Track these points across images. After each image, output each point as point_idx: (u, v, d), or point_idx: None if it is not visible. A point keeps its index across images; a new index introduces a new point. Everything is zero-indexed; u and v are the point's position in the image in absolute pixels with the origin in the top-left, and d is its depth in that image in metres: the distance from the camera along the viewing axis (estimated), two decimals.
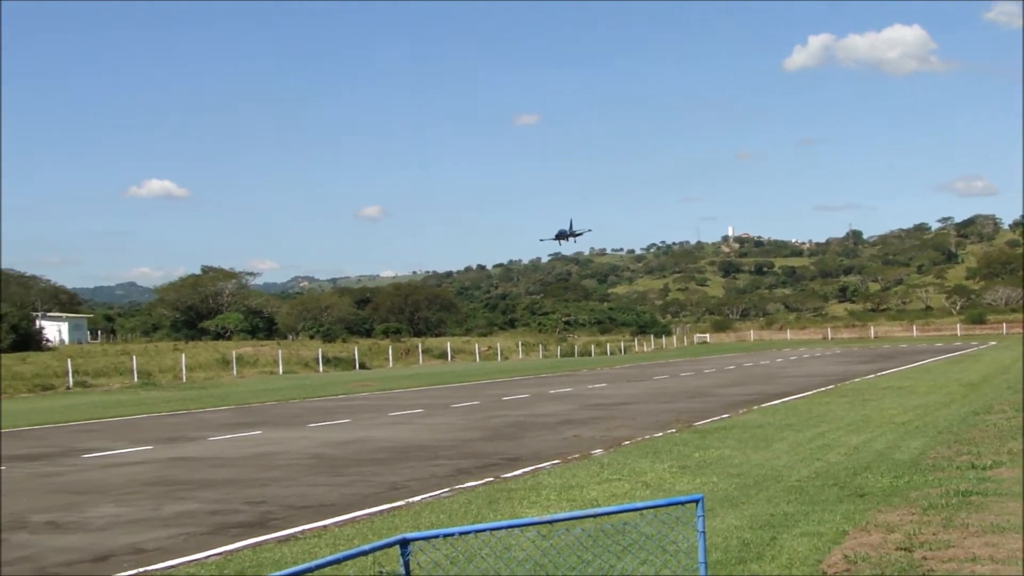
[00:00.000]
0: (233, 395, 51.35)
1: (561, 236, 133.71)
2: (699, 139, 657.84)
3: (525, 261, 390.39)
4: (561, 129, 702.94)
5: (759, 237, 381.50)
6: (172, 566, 12.73)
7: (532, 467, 20.97)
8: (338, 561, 7.19)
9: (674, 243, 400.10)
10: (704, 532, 8.43)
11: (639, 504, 8.84)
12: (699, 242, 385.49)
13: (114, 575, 12.31)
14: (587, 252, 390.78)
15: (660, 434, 26.49)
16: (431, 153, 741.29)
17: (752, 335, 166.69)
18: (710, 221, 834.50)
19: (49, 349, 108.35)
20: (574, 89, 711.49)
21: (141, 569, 12.57)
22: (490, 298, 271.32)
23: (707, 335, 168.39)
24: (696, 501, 8.42)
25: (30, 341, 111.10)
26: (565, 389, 49.31)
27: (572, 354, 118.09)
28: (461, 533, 7.77)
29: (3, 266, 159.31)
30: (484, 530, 8.18)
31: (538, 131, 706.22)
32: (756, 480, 17.66)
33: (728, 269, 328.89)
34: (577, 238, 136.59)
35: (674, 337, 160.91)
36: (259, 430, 31.71)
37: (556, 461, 21.82)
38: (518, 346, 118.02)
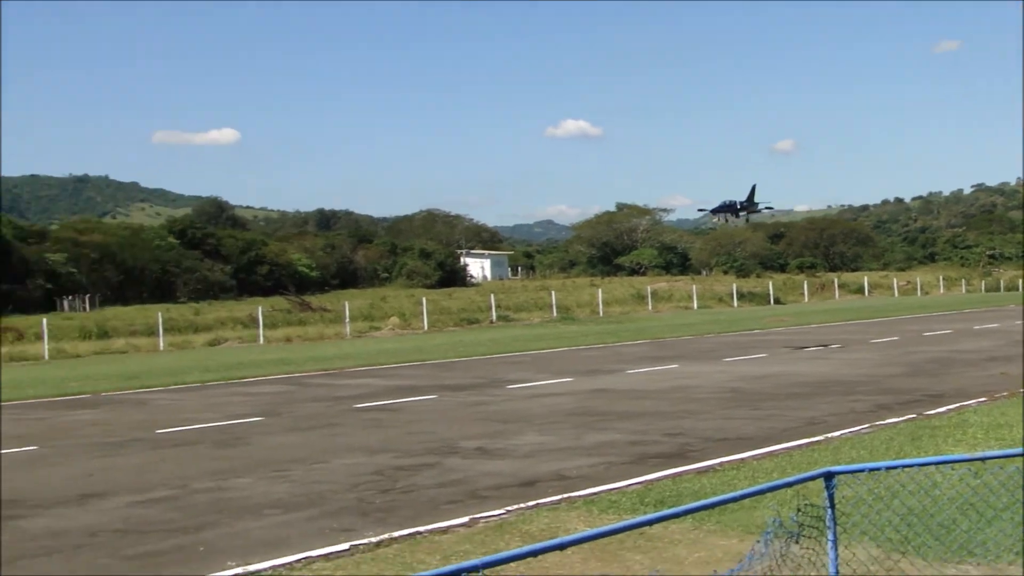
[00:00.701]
0: (649, 329, 52.02)
1: (727, 210, 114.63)
2: None
3: (946, 193, 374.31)
4: (983, 55, 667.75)
5: None
6: (594, 493, 13.07)
7: (956, 404, 20.17)
8: (760, 492, 7.18)
9: None
10: None
11: None
12: None
13: (540, 500, 12.77)
14: (1013, 183, 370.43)
15: None
16: (847, 83, 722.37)
17: None
18: None
19: (473, 285, 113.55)
20: (997, 13, 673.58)
21: (565, 495, 12.99)
22: (908, 231, 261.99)
23: None
24: None
25: (455, 277, 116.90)
26: (991, 325, 47.03)
27: (997, 289, 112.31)
28: (887, 468, 7.57)
29: (432, 207, 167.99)
30: (910, 466, 7.95)
31: (959, 57, 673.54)
32: None
33: None
34: (751, 214, 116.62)
35: None
36: (675, 364, 32.01)
37: (982, 399, 20.90)
38: (939, 281, 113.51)
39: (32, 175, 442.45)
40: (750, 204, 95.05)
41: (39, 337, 49.57)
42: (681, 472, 14.24)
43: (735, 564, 6.92)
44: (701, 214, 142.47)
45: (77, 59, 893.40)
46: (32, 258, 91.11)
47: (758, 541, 6.80)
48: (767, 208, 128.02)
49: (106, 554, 11.08)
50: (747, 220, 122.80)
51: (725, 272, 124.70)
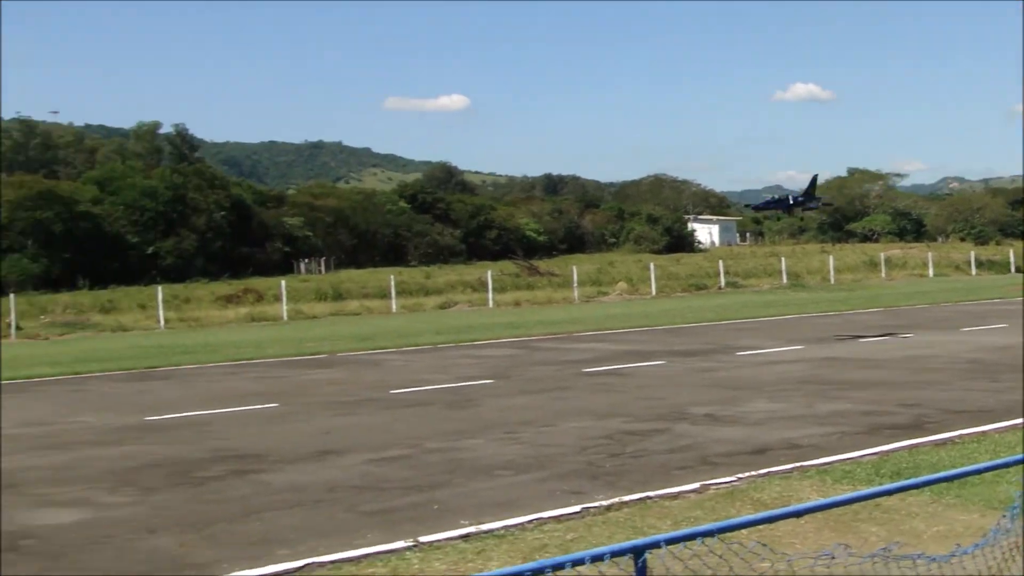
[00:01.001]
0: (882, 297, 50.77)
1: (777, 206, 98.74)
2: None
3: None
4: None
5: None
6: (827, 462, 12.86)
7: None
8: (1004, 466, 7.00)
9: None
10: None
11: None
12: None
13: (772, 468, 12.63)
14: None
15: None
16: None
17: None
18: None
19: (701, 251, 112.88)
20: None
21: (797, 464, 12.81)
22: None
23: None
24: None
25: (683, 243, 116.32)
26: None
27: None
28: None
29: (659, 172, 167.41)
30: None
31: None
32: None
33: None
34: (806, 210, 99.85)
35: None
36: (910, 333, 31.19)
37: None
38: None
39: (270, 141, 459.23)
40: (807, 199, 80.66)
41: (278, 298, 51.32)
42: (918, 444, 13.90)
43: (978, 539, 6.71)
44: (746, 208, 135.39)
45: (312, 31, 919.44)
46: (271, 222, 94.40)
47: (1004, 516, 6.59)
48: (826, 204, 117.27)
49: (343, 509, 11.44)
50: (801, 217, 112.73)
51: (962, 239, 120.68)
